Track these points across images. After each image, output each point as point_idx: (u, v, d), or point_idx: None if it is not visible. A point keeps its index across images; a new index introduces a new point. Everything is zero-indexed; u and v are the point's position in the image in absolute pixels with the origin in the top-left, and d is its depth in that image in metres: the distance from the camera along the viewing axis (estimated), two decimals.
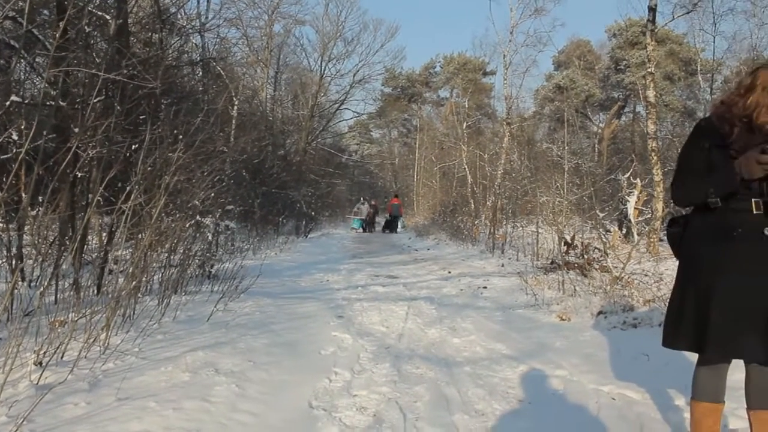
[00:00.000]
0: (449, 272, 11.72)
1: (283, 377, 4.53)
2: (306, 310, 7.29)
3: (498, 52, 23.57)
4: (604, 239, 11.14)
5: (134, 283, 5.47)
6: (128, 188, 5.59)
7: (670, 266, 9.22)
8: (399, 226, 31.61)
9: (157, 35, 12.44)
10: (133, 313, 5.44)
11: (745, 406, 3.01)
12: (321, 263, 13.52)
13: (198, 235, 8.54)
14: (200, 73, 17.65)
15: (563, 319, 6.90)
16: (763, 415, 2.92)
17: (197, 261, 8.16)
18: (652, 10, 13.63)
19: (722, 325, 2.79)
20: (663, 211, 12.96)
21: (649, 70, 13.81)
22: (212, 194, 8.83)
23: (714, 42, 37.59)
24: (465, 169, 24.52)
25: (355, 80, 33.77)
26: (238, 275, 7.65)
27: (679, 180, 3.08)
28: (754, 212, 2.80)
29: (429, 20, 75.02)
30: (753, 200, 2.80)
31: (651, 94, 13.69)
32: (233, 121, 18.31)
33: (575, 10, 60.31)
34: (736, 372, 3.04)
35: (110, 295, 5.15)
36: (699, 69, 30.23)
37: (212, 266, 8.60)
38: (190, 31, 17.36)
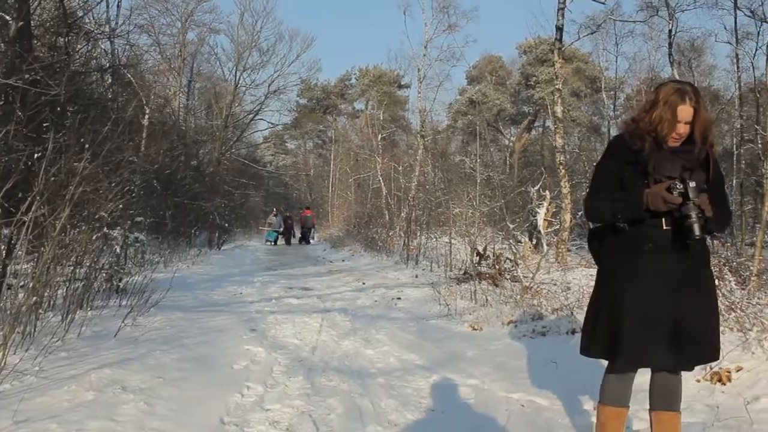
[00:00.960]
0: (364, 283, 11.75)
1: (193, 393, 4.42)
2: (218, 323, 7.16)
3: (412, 66, 23.92)
4: (514, 250, 11.44)
5: (35, 298, 5.23)
6: (29, 198, 5.34)
7: (578, 275, 9.56)
8: (312, 237, 31.77)
9: (62, 39, 12.00)
10: (34, 330, 5.20)
11: (647, 407, 3.18)
12: (234, 276, 13.30)
13: (105, 247, 8.25)
14: (109, 80, 17.12)
15: (475, 329, 7.02)
16: (662, 416, 3.10)
17: (104, 274, 7.87)
18: (560, 29, 14.14)
19: (633, 335, 2.92)
20: (570, 222, 13.41)
21: (556, 86, 14.32)
22: (120, 205, 8.56)
23: (617, 61, 39.45)
24: (380, 180, 24.71)
25: (271, 91, 33.33)
26: (148, 289, 7.43)
27: (591, 198, 3.19)
28: (664, 228, 2.94)
29: (345, 33, 75.37)
30: (663, 218, 2.94)
31: (559, 109, 14.19)
32: (144, 131, 17.81)
33: (487, 27, 62.04)
34: (638, 376, 3.18)
35: (8, 312, 4.90)
36: (603, 86, 31.57)
37: (120, 280, 8.32)
38: (99, 36, 16.82)
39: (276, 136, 49.04)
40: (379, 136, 28.61)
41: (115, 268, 8.41)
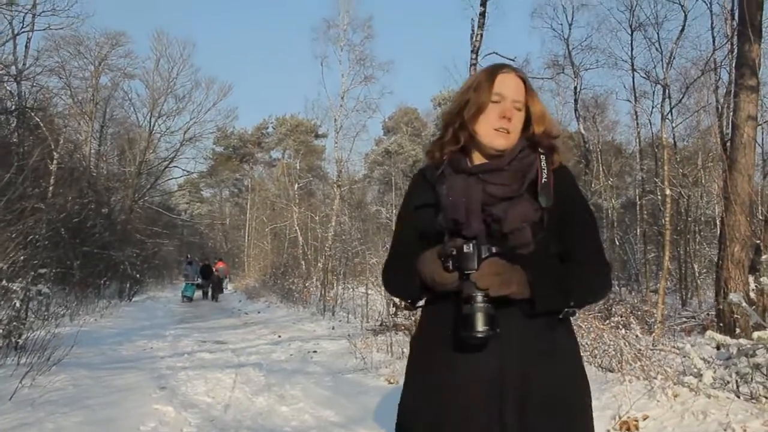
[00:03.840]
0: (279, 336, 11.57)
1: None
2: (126, 381, 6.87)
3: (329, 116, 24.06)
4: None
5: None
6: None
7: None
8: (225, 288, 31.01)
9: None
10: None
11: None
12: (145, 329, 12.86)
13: (3, 301, 7.84)
14: (14, 122, 16.57)
15: (391, 383, 7.00)
16: None
17: (2, 330, 7.46)
18: None
19: None
20: None
21: None
22: (22, 257, 8.18)
23: None
24: (296, 230, 24.58)
25: (186, 138, 32.92)
26: (50, 345, 7.06)
27: (385, 264, 2.03)
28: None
29: (262, 81, 75.61)
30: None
31: None
32: (52, 177, 17.22)
33: (403, 79, 63.40)
34: None
35: None
36: None
37: (20, 335, 7.89)
38: (5, 77, 16.32)
39: (191, 184, 48.31)
40: (296, 185, 28.59)
41: (15, 323, 7.99)
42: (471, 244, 1.70)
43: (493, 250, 1.71)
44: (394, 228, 2.05)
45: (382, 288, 13.20)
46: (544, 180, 1.78)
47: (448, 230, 1.79)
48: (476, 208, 1.77)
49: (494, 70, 1.83)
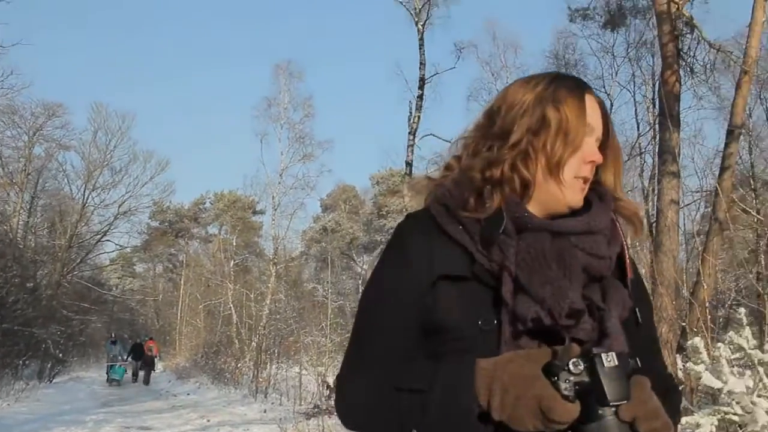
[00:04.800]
0: (208, 421, 11.17)
1: None
2: None
3: (268, 193, 24.05)
4: None
5: None
6: None
7: None
8: (155, 368, 29.69)
9: None
10: None
11: None
12: (64, 414, 12.22)
13: None
14: None
15: None
16: None
17: None
18: (409, 164, 14.93)
19: None
20: None
21: None
22: None
23: None
24: (231, 307, 24.10)
25: (121, 211, 32.24)
26: None
27: (351, 384, 1.22)
28: None
29: (201, 156, 75.35)
30: None
31: None
32: None
33: (342, 158, 64.15)
34: None
35: None
36: None
37: None
38: None
39: (124, 259, 47.08)
40: (232, 261, 28.23)
41: None
42: (613, 355, 0.97)
43: (639, 363, 1.03)
44: (360, 313, 1.23)
45: (317, 369, 12.94)
46: (628, 259, 1.19)
47: (515, 320, 1.07)
48: (580, 290, 1.09)
49: (580, 85, 1.19)
